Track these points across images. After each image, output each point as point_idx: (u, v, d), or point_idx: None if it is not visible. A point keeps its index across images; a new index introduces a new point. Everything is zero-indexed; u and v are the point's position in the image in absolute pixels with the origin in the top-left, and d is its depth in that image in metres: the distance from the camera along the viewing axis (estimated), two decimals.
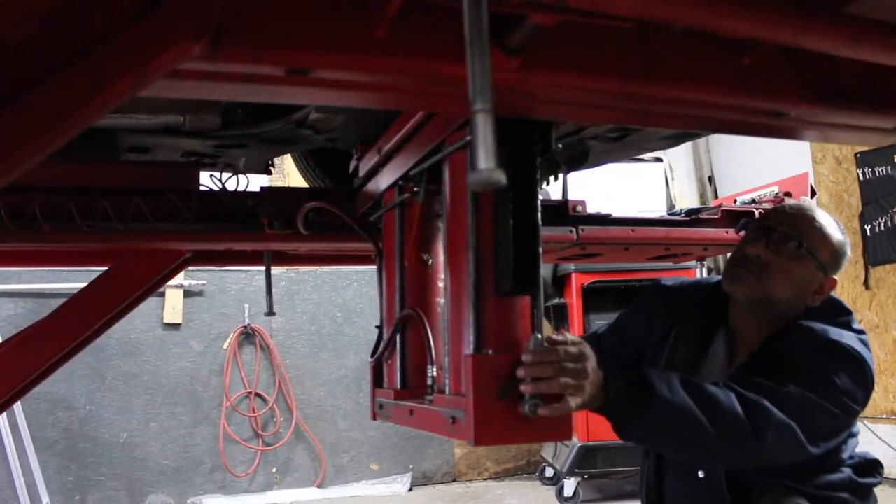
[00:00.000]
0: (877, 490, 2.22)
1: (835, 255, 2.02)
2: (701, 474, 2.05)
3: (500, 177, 0.80)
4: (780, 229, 2.01)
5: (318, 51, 1.04)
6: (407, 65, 1.07)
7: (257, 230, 2.44)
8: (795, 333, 1.95)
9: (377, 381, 2.03)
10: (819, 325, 1.94)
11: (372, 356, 2.06)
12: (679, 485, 2.16)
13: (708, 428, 1.61)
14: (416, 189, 1.83)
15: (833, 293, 2.09)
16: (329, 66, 1.07)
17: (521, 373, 1.36)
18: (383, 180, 2.06)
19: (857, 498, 1.98)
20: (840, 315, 2.03)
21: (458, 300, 1.50)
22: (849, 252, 2.08)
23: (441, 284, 1.91)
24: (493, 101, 0.82)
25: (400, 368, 1.90)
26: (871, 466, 2.06)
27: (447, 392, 1.53)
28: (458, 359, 1.48)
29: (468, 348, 1.42)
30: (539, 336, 1.40)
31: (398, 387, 1.89)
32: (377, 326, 2.12)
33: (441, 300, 1.89)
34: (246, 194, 2.48)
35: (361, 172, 2.24)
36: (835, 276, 2.03)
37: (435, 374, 1.70)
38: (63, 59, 0.88)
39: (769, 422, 1.69)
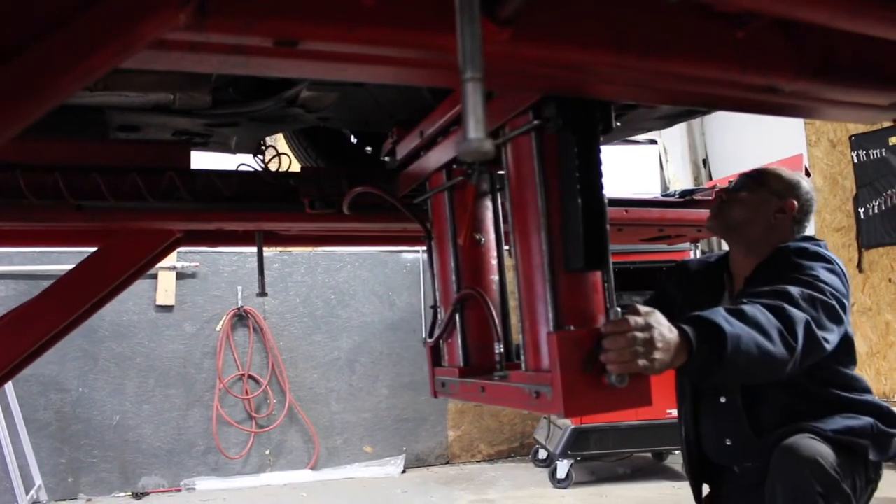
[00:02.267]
0: None
1: (787, 184, 2.38)
2: (723, 399, 2.32)
3: (490, 147, 0.79)
4: (738, 178, 2.46)
5: (306, 21, 1.02)
6: (397, 35, 1.05)
7: (249, 209, 2.44)
8: (777, 255, 2.28)
9: (435, 360, 2.10)
10: (792, 243, 2.32)
11: (429, 337, 2.12)
12: (708, 413, 2.41)
13: (765, 346, 1.76)
14: (469, 172, 1.89)
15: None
16: (317, 37, 1.04)
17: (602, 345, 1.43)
18: (430, 163, 2.09)
19: (878, 447, 2.17)
20: (809, 240, 2.36)
21: (529, 279, 1.56)
22: (806, 186, 2.41)
23: (494, 262, 1.99)
24: (484, 69, 0.81)
25: (461, 347, 1.96)
26: (893, 417, 2.26)
27: (524, 368, 1.59)
28: (536, 336, 1.54)
29: (548, 325, 1.49)
30: (618, 310, 1.46)
31: (461, 365, 1.95)
32: (431, 307, 2.20)
33: (495, 278, 1.98)
34: (289, 174, 2.53)
35: (400, 155, 2.27)
36: (794, 200, 2.35)
37: (502, 350, 1.78)
38: (45, 26, 0.86)
39: (794, 321, 1.86)
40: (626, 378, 1.40)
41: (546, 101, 1.49)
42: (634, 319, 1.44)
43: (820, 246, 2.30)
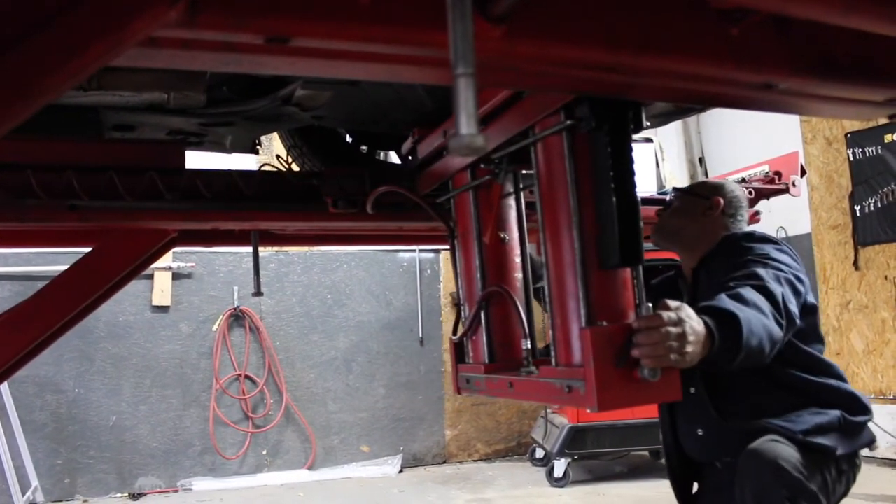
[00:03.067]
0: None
1: (710, 187, 2.55)
2: (692, 390, 2.36)
3: (482, 142, 0.79)
4: (670, 197, 2.62)
5: (299, 18, 1.01)
6: (390, 32, 1.05)
7: (246, 209, 2.43)
8: (724, 242, 2.41)
9: (459, 357, 2.12)
10: (739, 231, 2.46)
11: (453, 334, 2.15)
12: (681, 408, 2.47)
13: (768, 325, 1.81)
14: (496, 171, 1.92)
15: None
16: (310, 34, 1.04)
17: (636, 340, 1.45)
18: (454, 162, 2.11)
19: (847, 439, 2.21)
20: (751, 231, 2.48)
21: (561, 276, 1.59)
22: (730, 186, 2.55)
23: (518, 261, 2.02)
24: (476, 65, 0.80)
25: (487, 343, 1.98)
26: (861, 404, 2.30)
27: (554, 363, 1.61)
28: (567, 332, 1.57)
29: (580, 321, 1.52)
30: (649, 305, 1.49)
31: (486, 361, 1.97)
32: (455, 304, 2.20)
33: (519, 276, 2.01)
34: (311, 174, 2.56)
35: (422, 154, 2.29)
36: (719, 198, 2.48)
37: (529, 346, 1.82)
38: (35, 24, 0.86)
39: (777, 298, 1.93)
40: (658, 372, 1.43)
41: (579, 101, 1.52)
42: (668, 315, 1.47)
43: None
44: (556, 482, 5.35)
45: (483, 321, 1.99)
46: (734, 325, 1.68)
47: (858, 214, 5.74)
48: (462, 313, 2.14)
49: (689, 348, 1.49)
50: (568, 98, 1.52)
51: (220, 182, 2.35)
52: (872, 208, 5.66)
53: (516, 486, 5.58)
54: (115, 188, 2.21)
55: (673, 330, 1.46)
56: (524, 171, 1.94)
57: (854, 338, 5.78)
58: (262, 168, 2.52)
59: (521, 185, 2.04)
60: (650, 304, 1.50)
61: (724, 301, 1.75)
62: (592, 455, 5.47)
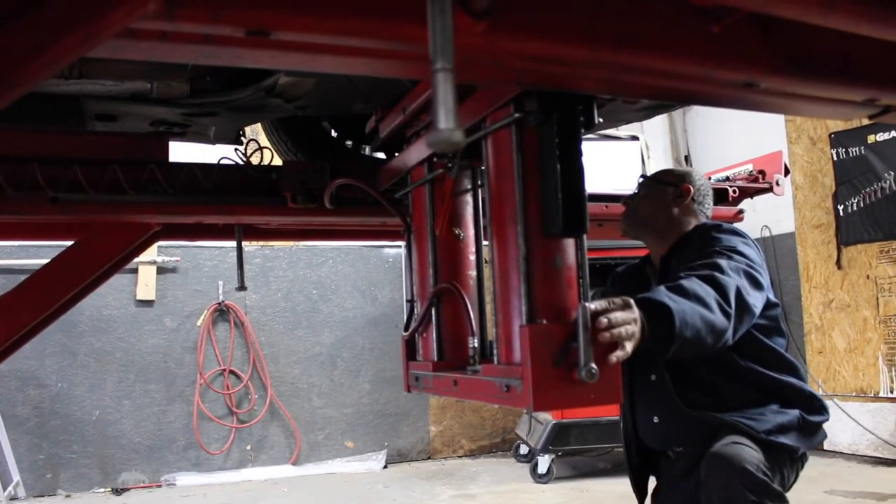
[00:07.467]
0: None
1: (678, 175, 2.61)
2: (653, 377, 2.42)
3: (460, 137, 0.79)
4: (636, 185, 2.66)
5: (279, 11, 1.01)
6: (370, 26, 1.05)
7: (228, 202, 2.42)
8: (693, 232, 2.47)
9: (410, 354, 2.10)
10: (708, 222, 2.53)
11: (405, 330, 2.13)
12: (641, 396, 2.52)
13: (707, 316, 1.83)
14: (449, 165, 1.90)
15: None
16: (290, 28, 1.03)
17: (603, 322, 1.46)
18: (411, 157, 2.10)
19: (804, 439, 2.28)
20: (720, 223, 2.52)
21: (505, 273, 1.56)
22: (697, 174, 2.62)
23: (472, 258, 2.00)
24: (455, 60, 0.80)
25: (436, 341, 1.96)
26: (819, 404, 2.38)
27: (496, 362, 1.59)
28: (509, 329, 1.54)
29: (521, 319, 1.49)
30: (587, 305, 1.45)
31: (435, 359, 1.96)
32: (408, 301, 2.20)
33: (473, 273, 1.99)
34: (271, 168, 2.53)
35: (382, 133, 2.28)
36: (689, 185, 2.54)
37: (476, 345, 1.81)
38: (8, 11, 0.85)
39: (726, 288, 1.96)
40: (595, 374, 1.40)
41: (527, 94, 1.49)
42: (624, 314, 1.51)
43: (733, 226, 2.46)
44: (539, 478, 5.36)
45: (434, 318, 1.97)
46: (666, 317, 1.69)
47: (842, 214, 5.78)
48: (414, 310, 2.13)
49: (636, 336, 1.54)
50: (517, 91, 1.50)
51: (182, 174, 2.33)
52: (855, 208, 5.69)
53: (500, 482, 5.59)
54: (96, 181, 2.20)
55: (630, 328, 1.51)
56: (483, 168, 1.94)
57: (836, 336, 5.82)
58: (221, 161, 2.49)
59: (480, 183, 2.02)
60: (587, 305, 1.46)
61: (660, 293, 1.77)
62: (576, 451, 5.49)
